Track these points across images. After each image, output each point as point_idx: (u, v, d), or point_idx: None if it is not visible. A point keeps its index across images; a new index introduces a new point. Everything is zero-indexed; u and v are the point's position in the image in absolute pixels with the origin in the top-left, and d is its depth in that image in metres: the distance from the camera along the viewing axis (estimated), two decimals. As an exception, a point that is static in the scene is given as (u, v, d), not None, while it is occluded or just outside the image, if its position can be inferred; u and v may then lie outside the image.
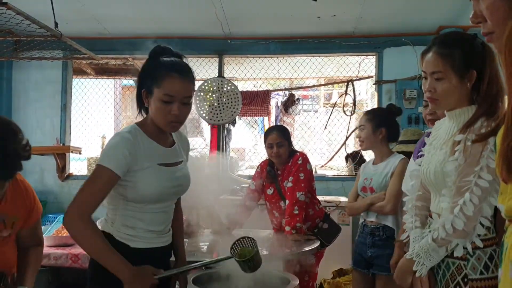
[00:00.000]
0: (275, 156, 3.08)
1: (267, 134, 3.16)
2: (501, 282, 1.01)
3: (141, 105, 1.83)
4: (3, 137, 1.54)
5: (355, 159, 4.87)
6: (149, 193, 1.74)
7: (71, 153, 4.98)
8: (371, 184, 2.82)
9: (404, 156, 2.81)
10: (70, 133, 5.09)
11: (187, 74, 1.75)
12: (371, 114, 2.90)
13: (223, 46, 4.90)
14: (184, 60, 1.84)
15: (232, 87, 4.85)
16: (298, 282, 1.98)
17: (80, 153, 5.15)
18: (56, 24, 3.34)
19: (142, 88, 1.78)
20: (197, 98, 4.86)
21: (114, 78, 6.55)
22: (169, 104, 1.71)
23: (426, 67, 1.64)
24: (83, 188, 1.63)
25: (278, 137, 3.08)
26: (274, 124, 5.63)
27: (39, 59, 4.41)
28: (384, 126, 2.83)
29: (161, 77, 1.72)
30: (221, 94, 4.82)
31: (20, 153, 1.59)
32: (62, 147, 4.84)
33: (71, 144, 5.04)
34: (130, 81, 7.91)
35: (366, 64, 5.25)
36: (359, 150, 4.68)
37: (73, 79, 5.27)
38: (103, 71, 6.22)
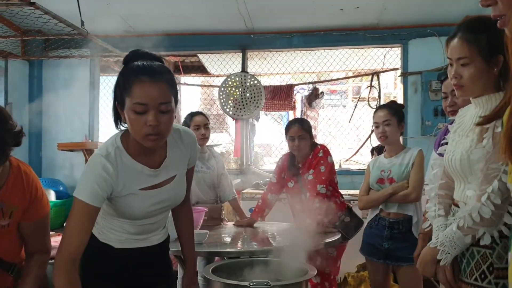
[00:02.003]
0: (297, 149, 3.08)
1: (288, 127, 3.17)
2: (510, 265, 1.00)
3: (118, 117, 1.60)
4: None
5: (380, 152, 4.81)
6: (129, 215, 1.64)
7: (99, 149, 5.09)
8: (390, 175, 2.80)
9: (420, 148, 2.85)
10: (98, 129, 5.22)
11: (161, 77, 1.49)
12: (393, 109, 2.87)
13: (246, 41, 4.92)
14: (165, 63, 1.62)
15: (255, 81, 4.87)
16: (315, 273, 1.99)
17: (108, 149, 5.26)
18: (82, 23, 3.42)
19: (116, 101, 1.56)
20: (221, 93, 4.91)
21: (141, 75, 6.65)
22: (143, 115, 1.47)
23: (452, 53, 1.62)
24: (66, 229, 1.50)
25: (299, 130, 3.08)
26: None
27: (67, 57, 4.53)
28: (403, 120, 2.90)
29: (130, 84, 1.48)
30: (244, 89, 4.85)
31: (8, 140, 1.59)
32: (91, 143, 4.96)
33: (99, 140, 5.16)
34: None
35: (391, 56, 5.18)
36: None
37: (100, 77, 5.39)
38: (130, 69, 6.33)
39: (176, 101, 1.58)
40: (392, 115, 2.81)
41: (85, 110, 5.08)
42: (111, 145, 1.59)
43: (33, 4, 2.90)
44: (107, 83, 5.92)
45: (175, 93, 1.56)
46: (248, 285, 1.79)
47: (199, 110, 3.98)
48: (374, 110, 3.03)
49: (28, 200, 1.77)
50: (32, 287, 1.81)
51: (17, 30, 4.52)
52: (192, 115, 3.40)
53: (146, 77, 1.47)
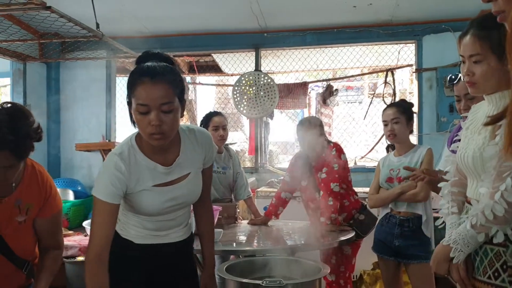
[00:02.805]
0: (310, 148, 3.10)
1: (297, 127, 3.19)
2: None
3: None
4: (16, 120, 1.63)
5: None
6: (145, 211, 1.69)
7: (116, 149, 5.14)
8: (399, 174, 2.80)
9: (429, 146, 2.83)
10: (115, 130, 5.28)
11: (162, 78, 1.53)
12: (402, 107, 2.87)
13: (259, 40, 4.93)
14: (175, 64, 1.67)
15: (269, 80, 4.88)
16: (329, 271, 2.00)
17: (125, 149, 5.33)
18: (97, 25, 3.47)
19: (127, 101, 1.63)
20: (235, 92, 4.94)
21: (156, 75, 6.71)
22: (146, 115, 1.53)
23: (464, 51, 1.60)
24: (91, 227, 1.60)
25: (314, 127, 3.09)
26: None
27: (84, 59, 4.60)
28: (413, 118, 2.89)
29: (134, 85, 1.54)
30: (258, 88, 4.87)
31: (31, 134, 1.66)
32: (108, 143, 5.03)
33: (116, 140, 5.21)
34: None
35: (406, 52, 5.14)
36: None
37: (116, 78, 5.46)
38: (145, 69, 6.40)
39: (182, 100, 1.62)
40: (400, 113, 2.81)
41: (102, 110, 5.14)
42: (125, 144, 1.68)
43: (49, 8, 2.95)
44: (123, 84, 6.00)
45: (179, 93, 1.59)
46: (261, 284, 1.81)
47: (216, 110, 4.00)
48: (384, 108, 3.03)
49: (43, 197, 1.83)
50: (47, 282, 1.85)
51: (34, 34, 4.61)
52: (211, 115, 3.42)
53: (147, 78, 1.52)
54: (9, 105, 1.70)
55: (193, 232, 1.96)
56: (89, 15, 3.37)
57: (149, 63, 1.58)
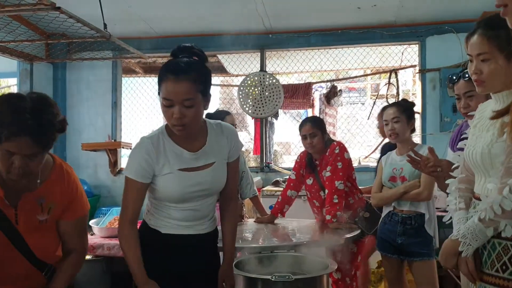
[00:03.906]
0: (309, 147, 3.14)
1: (301, 125, 3.23)
2: None
3: None
4: (40, 108, 1.58)
5: (399, 149, 4.82)
6: (169, 196, 1.79)
7: (122, 149, 5.19)
8: (402, 173, 2.83)
9: (430, 145, 2.83)
10: (121, 130, 5.32)
11: (185, 75, 1.65)
12: (402, 106, 2.90)
13: (264, 41, 4.97)
14: (205, 59, 1.77)
15: (274, 80, 4.92)
16: (336, 267, 2.03)
17: (130, 149, 5.36)
18: (105, 26, 3.52)
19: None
20: (240, 92, 4.98)
21: (161, 76, 6.74)
22: (170, 108, 1.67)
23: (472, 50, 1.63)
24: (123, 201, 1.78)
25: (310, 128, 3.13)
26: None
27: (90, 60, 4.65)
28: (413, 117, 2.90)
29: (160, 80, 1.69)
30: (263, 88, 4.91)
31: (54, 123, 1.61)
32: (114, 143, 5.07)
33: (122, 140, 5.26)
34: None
35: (409, 53, 5.17)
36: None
37: (122, 78, 5.50)
38: (151, 70, 6.46)
39: (207, 94, 1.74)
40: (401, 112, 2.84)
41: (108, 111, 5.19)
42: (157, 130, 1.82)
43: (58, 8, 2.99)
44: (129, 84, 6.05)
45: (203, 89, 1.70)
46: (270, 279, 1.85)
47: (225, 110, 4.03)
48: (384, 108, 3.05)
49: (68, 198, 1.78)
50: (64, 284, 1.79)
51: (42, 34, 4.66)
52: (223, 114, 3.45)
53: (171, 75, 1.65)
54: (34, 94, 1.65)
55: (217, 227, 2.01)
56: (97, 16, 3.42)
57: (175, 60, 1.72)
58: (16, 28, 4.14)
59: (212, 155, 1.83)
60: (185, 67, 1.68)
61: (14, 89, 6.20)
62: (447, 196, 1.84)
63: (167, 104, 1.67)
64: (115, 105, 5.22)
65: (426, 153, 2.76)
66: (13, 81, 6.54)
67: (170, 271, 1.82)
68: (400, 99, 4.81)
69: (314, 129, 3.12)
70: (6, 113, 1.54)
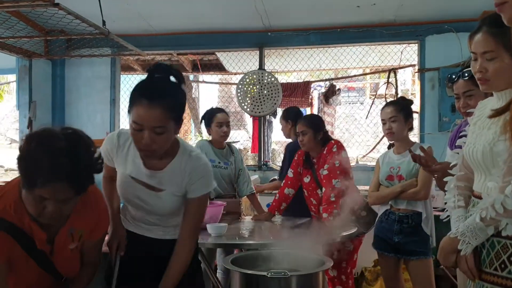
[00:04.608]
0: (301, 144, 3.16)
1: (297, 124, 3.25)
2: None
3: None
4: (76, 148, 1.44)
5: (397, 149, 4.82)
6: (119, 189, 1.84)
7: (120, 146, 5.18)
8: (399, 172, 2.82)
9: (429, 145, 2.83)
10: (119, 126, 5.32)
11: (159, 102, 1.56)
12: (399, 105, 2.88)
13: (263, 39, 4.97)
14: (184, 81, 1.70)
15: (272, 79, 4.92)
16: (332, 264, 2.03)
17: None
18: (103, 23, 3.52)
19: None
20: (239, 91, 4.98)
21: (160, 74, 6.74)
22: (139, 132, 1.59)
23: (476, 48, 1.60)
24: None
25: (302, 126, 3.16)
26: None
27: (89, 56, 4.66)
28: (411, 116, 2.88)
29: (133, 102, 1.60)
30: (261, 87, 4.91)
31: (93, 166, 1.50)
32: (112, 140, 5.06)
33: (120, 137, 5.25)
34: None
35: (408, 52, 5.18)
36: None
37: (121, 75, 5.51)
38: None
39: (179, 120, 1.67)
40: (398, 111, 2.82)
41: (107, 107, 5.19)
42: (129, 133, 1.75)
43: (57, 5, 3.00)
44: (128, 81, 6.05)
45: (176, 116, 1.63)
46: (266, 275, 1.85)
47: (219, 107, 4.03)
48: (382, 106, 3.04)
49: (95, 220, 1.72)
50: None
51: (41, 31, 4.65)
52: (214, 111, 3.46)
53: (145, 100, 1.56)
54: (69, 130, 1.49)
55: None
56: (95, 13, 3.42)
57: (153, 80, 1.64)
58: (15, 24, 4.14)
59: (164, 183, 1.76)
60: (160, 92, 1.59)
61: (13, 86, 6.20)
62: (445, 195, 1.83)
63: (137, 128, 1.59)
64: (114, 102, 5.23)
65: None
66: (12, 77, 6.54)
67: (139, 268, 1.87)
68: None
69: (305, 127, 3.15)
70: (40, 156, 1.39)
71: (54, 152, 1.39)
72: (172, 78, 1.67)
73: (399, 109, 2.84)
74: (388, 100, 4.90)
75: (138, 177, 1.76)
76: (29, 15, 4.40)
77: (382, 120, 2.90)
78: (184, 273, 1.79)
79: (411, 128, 2.93)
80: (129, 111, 1.62)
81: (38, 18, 4.42)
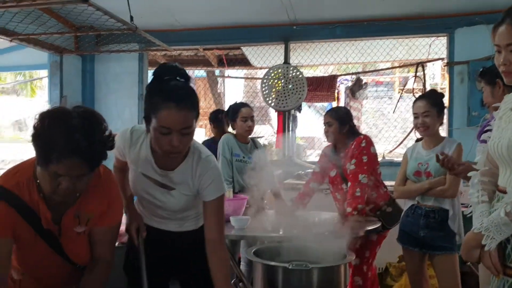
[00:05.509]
0: (326, 136, 3.17)
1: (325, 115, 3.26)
2: None
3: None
4: (90, 125, 1.46)
5: (424, 144, 4.75)
6: (131, 183, 1.91)
7: (148, 140, 5.27)
8: (427, 169, 2.77)
9: (459, 141, 2.79)
10: (146, 121, 5.40)
11: (186, 103, 1.61)
12: (432, 99, 2.81)
13: (288, 33, 4.94)
14: (191, 84, 1.73)
15: (297, 73, 4.91)
16: (354, 257, 2.03)
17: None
18: (131, 18, 3.58)
19: (145, 112, 1.70)
20: (264, 85, 4.98)
21: (187, 69, 6.76)
22: (167, 136, 1.61)
23: (500, 40, 1.59)
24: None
25: (328, 117, 3.15)
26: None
27: (117, 52, 4.75)
28: (444, 111, 2.84)
29: (158, 106, 1.61)
30: (286, 81, 4.90)
31: (105, 142, 1.52)
32: (140, 134, 5.14)
33: (148, 131, 5.33)
34: (202, 72, 8.23)
35: (437, 45, 5.07)
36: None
37: (148, 70, 5.58)
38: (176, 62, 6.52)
39: (198, 117, 1.71)
40: (431, 106, 2.77)
41: (135, 102, 5.28)
42: (142, 130, 1.82)
43: (86, 1, 3.06)
44: (155, 76, 6.13)
45: (197, 114, 1.69)
46: (287, 267, 1.87)
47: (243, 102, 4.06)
48: (414, 100, 2.99)
49: (104, 206, 1.71)
50: None
51: (71, 27, 4.77)
52: (238, 106, 3.49)
53: (173, 104, 1.59)
54: (81, 109, 1.52)
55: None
56: (123, 9, 3.48)
57: (173, 84, 1.66)
58: (46, 21, 4.26)
59: (175, 182, 1.81)
60: (184, 95, 1.64)
61: (45, 81, 6.38)
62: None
63: (165, 132, 1.61)
64: (142, 97, 5.30)
65: (453, 150, 2.72)
66: (44, 73, 6.73)
67: (156, 260, 1.94)
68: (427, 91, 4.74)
69: (330, 118, 3.13)
70: (54, 133, 1.42)
71: (68, 128, 1.42)
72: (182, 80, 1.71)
73: (433, 103, 2.78)
74: (417, 95, 4.82)
75: (150, 175, 1.81)
76: (60, 12, 4.52)
77: (414, 114, 2.84)
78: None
79: (441, 123, 2.88)
80: (150, 117, 1.64)
81: (68, 15, 4.54)
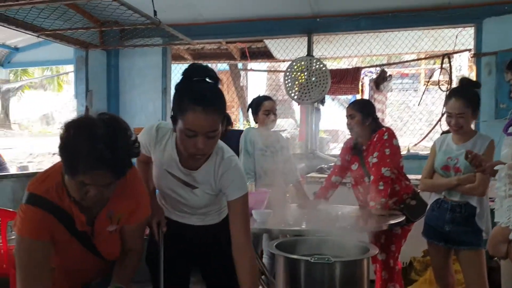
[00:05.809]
0: (348, 128, 3.13)
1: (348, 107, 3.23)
2: None
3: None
4: (114, 134, 1.46)
5: (451, 137, 4.66)
6: (154, 179, 1.92)
7: (171, 133, 5.32)
8: (457, 164, 2.68)
9: (492, 138, 2.68)
10: (170, 115, 5.45)
11: (213, 108, 1.60)
12: (467, 99, 2.67)
13: (311, 25, 4.90)
14: (219, 81, 1.71)
15: (321, 65, 4.87)
16: (376, 252, 2.02)
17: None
18: (155, 13, 3.61)
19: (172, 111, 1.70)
20: (287, 78, 4.96)
21: (210, 62, 6.85)
22: (192, 138, 1.61)
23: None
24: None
25: (350, 109, 3.13)
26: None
27: (141, 46, 4.80)
28: (479, 108, 2.70)
29: (185, 108, 1.59)
30: (309, 73, 4.87)
31: (131, 151, 1.52)
32: (164, 128, 5.20)
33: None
34: (225, 66, 8.25)
35: (464, 36, 4.95)
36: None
37: (172, 64, 5.63)
38: (199, 56, 6.57)
39: (224, 120, 1.70)
40: (466, 106, 2.64)
41: (158, 96, 5.34)
42: (168, 128, 1.82)
43: (111, -4, 3.12)
44: (178, 70, 6.18)
45: (223, 116, 1.68)
46: (310, 260, 1.87)
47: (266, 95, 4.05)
48: (447, 94, 2.87)
49: (133, 205, 1.74)
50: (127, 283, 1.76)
51: (96, 22, 4.84)
52: (261, 99, 3.50)
53: (200, 107, 1.57)
54: (106, 116, 1.51)
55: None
56: (147, 3, 3.51)
57: (201, 87, 1.64)
58: (72, 17, 4.34)
59: (198, 181, 1.83)
60: (212, 98, 1.62)
61: (72, 76, 6.50)
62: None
63: (190, 135, 1.61)
64: (165, 91, 5.36)
65: (486, 148, 2.63)
66: (70, 68, 6.86)
67: (176, 252, 1.98)
68: (453, 85, 4.64)
69: (352, 110, 3.11)
70: (79, 143, 1.42)
71: (92, 138, 1.42)
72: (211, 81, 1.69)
73: (468, 103, 2.65)
74: (442, 88, 4.73)
75: (174, 173, 1.83)
76: (85, 8, 4.59)
77: (448, 113, 2.72)
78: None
79: (475, 119, 2.78)
80: (177, 118, 1.64)
81: (93, 10, 4.61)
